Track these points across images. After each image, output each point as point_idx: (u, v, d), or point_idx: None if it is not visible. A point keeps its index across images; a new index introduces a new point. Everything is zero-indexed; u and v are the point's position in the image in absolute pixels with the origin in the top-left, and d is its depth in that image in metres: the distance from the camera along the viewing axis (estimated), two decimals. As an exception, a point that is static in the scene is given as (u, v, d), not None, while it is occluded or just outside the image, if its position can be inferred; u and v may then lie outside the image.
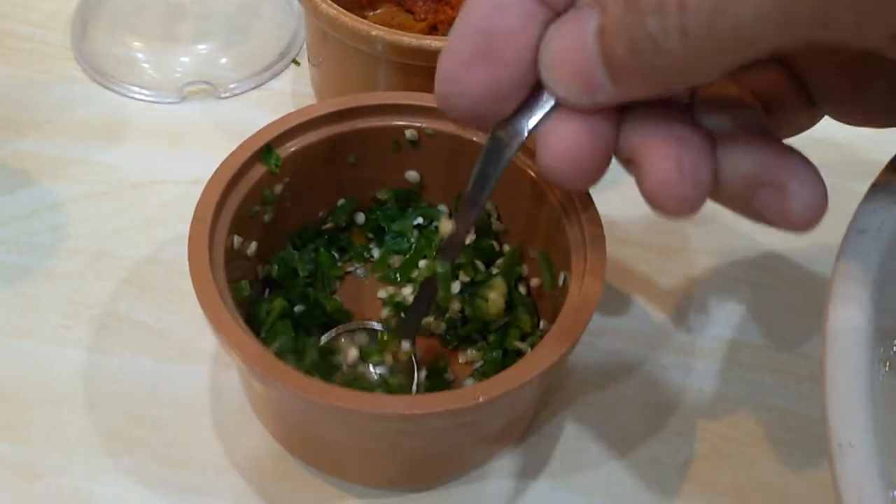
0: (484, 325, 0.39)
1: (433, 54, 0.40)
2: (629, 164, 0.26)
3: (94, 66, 0.53)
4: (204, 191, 0.34)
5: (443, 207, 0.42)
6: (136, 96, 0.52)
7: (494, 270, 0.40)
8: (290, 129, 0.37)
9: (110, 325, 0.41)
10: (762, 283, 0.45)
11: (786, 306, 0.44)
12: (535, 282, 0.40)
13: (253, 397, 0.37)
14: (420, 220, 0.42)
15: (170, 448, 0.37)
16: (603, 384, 0.40)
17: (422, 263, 0.41)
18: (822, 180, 0.25)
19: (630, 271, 0.45)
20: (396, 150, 0.40)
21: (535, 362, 0.30)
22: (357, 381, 0.36)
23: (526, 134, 0.26)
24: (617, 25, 0.22)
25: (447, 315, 0.39)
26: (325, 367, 0.36)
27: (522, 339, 0.38)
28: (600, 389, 0.40)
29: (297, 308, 0.39)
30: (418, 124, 0.39)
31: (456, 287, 0.39)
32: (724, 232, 0.47)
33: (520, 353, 0.38)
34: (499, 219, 0.41)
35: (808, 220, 0.25)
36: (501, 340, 0.39)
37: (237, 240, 0.36)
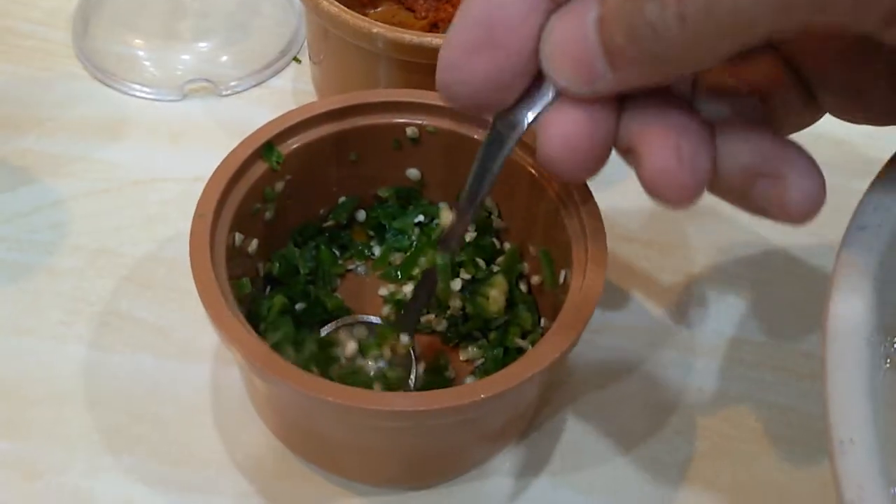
0: (485, 323, 0.39)
1: (434, 52, 0.40)
2: (628, 154, 0.26)
3: (95, 64, 0.53)
4: (205, 188, 0.34)
5: (443, 205, 0.42)
6: (137, 94, 0.52)
7: (495, 268, 0.40)
8: (292, 126, 0.37)
9: (111, 323, 0.41)
10: (763, 280, 0.45)
11: (786, 303, 0.44)
12: (535, 279, 0.40)
13: (254, 395, 0.37)
14: (421, 217, 0.42)
15: (171, 446, 0.37)
16: (603, 382, 0.40)
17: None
18: (821, 172, 0.25)
19: (630, 268, 0.45)
20: (397, 147, 0.40)
21: (536, 360, 0.30)
22: (355, 374, 0.35)
23: (527, 124, 0.26)
24: (616, 14, 0.23)
25: (448, 313, 0.39)
26: (324, 359, 0.35)
27: (523, 336, 0.38)
28: (601, 387, 0.40)
29: (299, 305, 0.39)
30: (419, 122, 0.39)
31: (457, 285, 0.39)
32: (724, 229, 0.47)
33: (521, 351, 0.38)
34: (500, 216, 0.41)
35: (806, 211, 0.25)
36: (502, 338, 0.39)
37: (238, 237, 0.36)
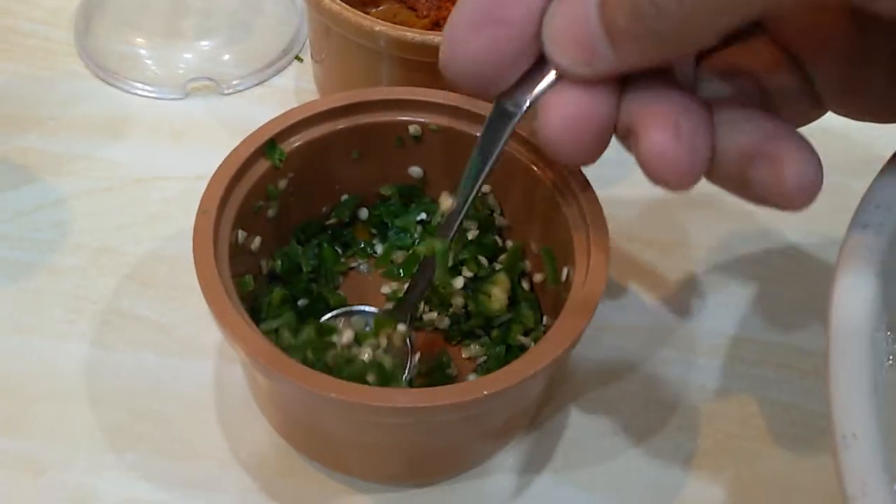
0: (487, 321, 0.39)
1: (436, 50, 0.40)
2: (628, 137, 0.26)
3: (97, 63, 0.53)
4: (208, 185, 0.34)
5: (444, 192, 0.42)
6: (140, 93, 0.52)
7: (497, 266, 0.40)
8: (294, 124, 0.37)
9: (113, 321, 0.41)
10: (765, 279, 0.45)
11: (789, 301, 0.44)
12: (538, 277, 0.40)
13: (257, 392, 0.37)
14: (423, 215, 0.42)
15: (173, 443, 0.37)
16: (605, 380, 0.40)
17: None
18: (818, 156, 0.25)
19: (631, 267, 0.45)
20: (400, 145, 0.40)
21: (538, 357, 0.30)
22: (351, 362, 0.35)
23: (527, 104, 0.27)
24: None
25: (450, 310, 0.40)
26: (321, 345, 0.35)
27: (525, 334, 0.39)
28: (603, 385, 0.40)
29: (301, 301, 0.39)
30: (422, 120, 0.39)
31: (459, 283, 0.39)
32: (725, 227, 0.47)
33: (523, 349, 0.38)
34: (502, 214, 0.41)
35: (803, 194, 0.25)
36: (504, 336, 0.39)
37: (241, 234, 0.36)
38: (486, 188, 0.40)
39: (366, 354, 0.35)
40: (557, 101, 0.26)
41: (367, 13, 0.43)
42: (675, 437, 0.39)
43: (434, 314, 0.40)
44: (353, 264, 0.43)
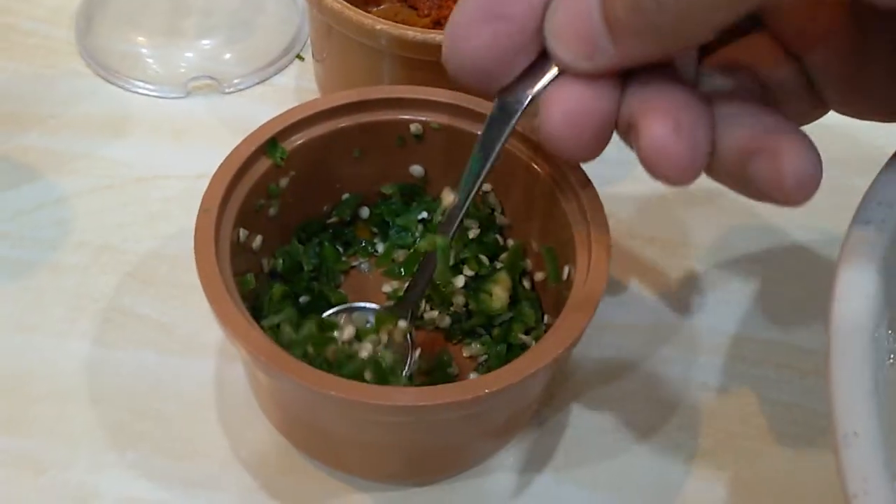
0: (488, 320, 0.39)
1: (437, 49, 0.40)
2: (629, 132, 0.26)
3: (98, 62, 0.53)
4: (210, 183, 0.34)
5: (446, 188, 0.42)
6: (141, 91, 0.52)
7: (499, 265, 0.40)
8: (295, 122, 0.37)
9: (114, 319, 0.41)
10: (766, 277, 0.45)
11: (790, 300, 0.44)
12: (539, 276, 0.40)
13: (258, 390, 0.37)
14: (424, 214, 0.42)
15: (174, 442, 0.37)
16: (607, 378, 0.40)
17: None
18: (818, 151, 0.25)
19: (633, 266, 0.45)
20: (401, 144, 0.40)
21: (540, 355, 0.30)
22: (351, 357, 0.35)
23: (529, 99, 0.27)
24: None
25: (451, 309, 0.40)
26: (321, 340, 0.35)
27: (526, 333, 0.38)
28: (604, 384, 0.40)
29: (302, 299, 0.39)
30: (423, 118, 0.39)
31: (460, 281, 0.39)
32: (726, 226, 0.47)
33: (524, 347, 0.38)
34: (503, 213, 0.41)
35: (801, 188, 0.25)
36: (505, 335, 0.39)
37: (243, 233, 0.36)
38: (486, 187, 0.40)
39: (366, 350, 0.35)
40: (559, 97, 0.26)
41: (369, 12, 0.43)
42: (676, 436, 0.39)
43: (435, 313, 0.40)
44: (355, 263, 0.43)
